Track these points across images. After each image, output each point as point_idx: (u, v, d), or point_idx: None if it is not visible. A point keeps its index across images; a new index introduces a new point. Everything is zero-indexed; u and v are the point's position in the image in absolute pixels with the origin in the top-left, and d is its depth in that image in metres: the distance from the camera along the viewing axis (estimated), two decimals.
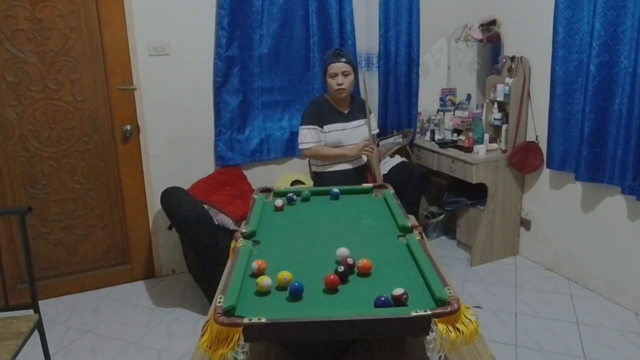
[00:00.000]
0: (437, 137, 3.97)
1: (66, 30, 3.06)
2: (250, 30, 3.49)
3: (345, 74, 2.72)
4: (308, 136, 2.82)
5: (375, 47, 3.92)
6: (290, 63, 3.68)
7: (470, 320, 1.17)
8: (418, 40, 3.94)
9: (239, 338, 1.11)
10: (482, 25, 3.79)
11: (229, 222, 3.15)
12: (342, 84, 2.71)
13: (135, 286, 3.50)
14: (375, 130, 3.02)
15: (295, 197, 2.14)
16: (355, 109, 2.89)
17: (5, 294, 2.30)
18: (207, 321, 1.19)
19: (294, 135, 3.82)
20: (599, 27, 2.87)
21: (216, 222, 3.08)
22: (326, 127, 2.82)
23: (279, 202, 2.07)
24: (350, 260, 1.44)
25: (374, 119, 3.01)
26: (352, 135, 2.85)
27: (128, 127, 3.31)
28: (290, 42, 3.64)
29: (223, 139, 3.59)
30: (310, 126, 2.82)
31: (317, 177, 2.96)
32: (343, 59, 2.70)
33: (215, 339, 1.13)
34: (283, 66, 3.67)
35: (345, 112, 2.86)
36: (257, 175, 3.76)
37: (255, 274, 1.42)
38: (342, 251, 1.50)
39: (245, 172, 3.71)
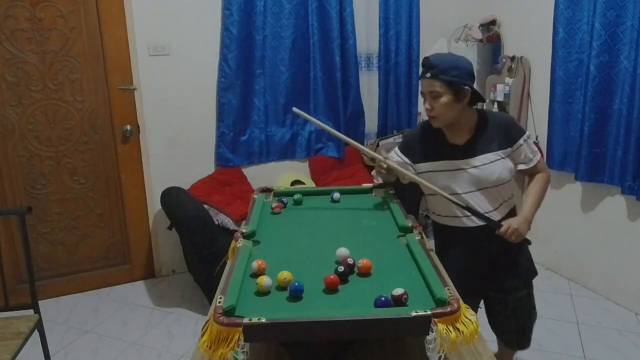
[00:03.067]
0: None
1: (66, 30, 3.06)
2: (254, 31, 3.48)
3: (433, 96, 1.81)
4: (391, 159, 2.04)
5: (375, 47, 3.92)
6: (292, 64, 3.67)
7: (470, 320, 1.17)
8: (418, 40, 3.94)
9: (239, 338, 1.11)
10: (482, 25, 3.79)
11: (229, 222, 3.15)
12: (430, 110, 1.84)
13: (135, 286, 3.50)
14: (522, 166, 1.97)
15: (285, 200, 2.13)
16: (484, 137, 1.90)
17: (5, 294, 2.29)
18: (207, 321, 1.19)
19: (295, 137, 3.81)
20: (599, 27, 2.87)
21: (216, 222, 3.08)
22: (421, 166, 1.97)
23: (274, 204, 2.07)
24: (350, 260, 1.44)
25: (525, 145, 1.93)
26: (470, 178, 1.89)
27: (128, 127, 3.31)
28: (293, 43, 3.63)
29: (225, 141, 3.59)
30: (399, 153, 2.04)
31: (434, 229, 2.15)
32: (428, 74, 1.80)
33: (215, 339, 1.13)
34: (285, 67, 3.66)
35: (461, 143, 1.90)
36: (257, 176, 3.75)
37: (255, 274, 1.42)
38: (342, 251, 1.50)
39: (245, 172, 3.71)
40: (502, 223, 1.88)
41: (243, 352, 1.10)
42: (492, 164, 1.88)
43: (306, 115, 2.19)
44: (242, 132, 3.62)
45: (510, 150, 1.91)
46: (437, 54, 1.89)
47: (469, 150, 1.89)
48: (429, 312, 1.14)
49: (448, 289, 1.26)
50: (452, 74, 1.79)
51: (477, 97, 1.88)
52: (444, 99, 1.80)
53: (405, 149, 2.03)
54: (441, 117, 1.85)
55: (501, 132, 1.90)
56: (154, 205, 3.47)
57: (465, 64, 1.84)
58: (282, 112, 3.74)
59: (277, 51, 3.60)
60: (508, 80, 3.51)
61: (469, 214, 1.90)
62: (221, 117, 3.55)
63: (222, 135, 3.58)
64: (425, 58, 1.83)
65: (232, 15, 3.38)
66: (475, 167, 1.88)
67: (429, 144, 1.95)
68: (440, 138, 1.94)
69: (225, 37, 3.41)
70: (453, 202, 1.88)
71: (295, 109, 2.22)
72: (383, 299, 1.23)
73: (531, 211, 1.93)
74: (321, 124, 2.21)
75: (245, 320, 1.13)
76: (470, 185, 1.90)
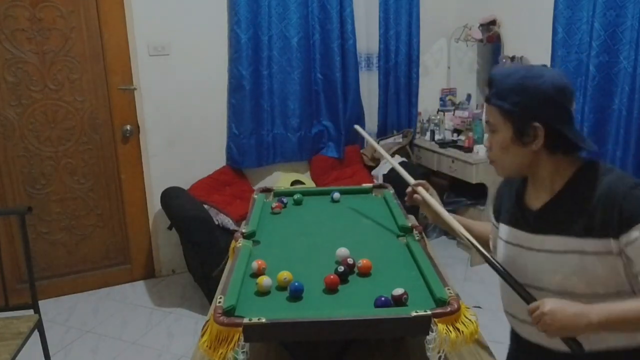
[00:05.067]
0: (437, 137, 3.97)
1: (66, 30, 3.06)
2: (260, 32, 3.48)
3: (490, 128, 1.24)
4: None
5: (375, 47, 3.92)
6: (298, 64, 3.66)
7: (470, 320, 1.17)
8: (418, 40, 3.94)
9: (239, 338, 1.11)
10: (482, 25, 3.79)
11: (229, 222, 3.15)
12: (488, 148, 1.27)
13: (135, 286, 3.50)
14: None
15: (285, 200, 2.13)
16: (568, 207, 1.19)
17: (5, 294, 2.30)
18: (207, 321, 1.19)
19: (302, 139, 3.80)
20: (599, 27, 2.87)
21: (216, 222, 3.09)
22: (498, 227, 1.37)
23: (274, 204, 2.07)
24: (350, 260, 1.44)
25: None
26: (528, 265, 1.24)
27: (128, 127, 3.31)
28: (298, 43, 3.62)
29: (234, 142, 3.58)
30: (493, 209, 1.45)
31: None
32: (491, 99, 1.21)
33: (215, 339, 1.13)
34: (290, 68, 3.65)
35: (536, 206, 1.25)
36: (257, 176, 3.76)
37: (255, 274, 1.42)
38: (342, 251, 1.50)
39: (245, 172, 3.71)
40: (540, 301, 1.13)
41: (243, 352, 1.10)
42: (564, 257, 1.16)
43: (366, 134, 2.08)
44: (250, 134, 3.60)
45: (611, 243, 1.11)
46: (509, 68, 1.28)
47: (540, 220, 1.22)
48: (429, 312, 1.14)
49: (448, 289, 1.26)
50: (514, 100, 1.15)
51: (568, 141, 1.16)
52: (499, 137, 1.21)
53: (494, 202, 1.45)
54: (499, 163, 1.25)
55: (604, 206, 1.12)
56: (154, 205, 3.46)
57: (542, 85, 1.14)
58: (289, 114, 3.72)
59: (283, 52, 3.60)
60: None
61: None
62: (231, 118, 3.55)
63: (232, 136, 3.58)
64: (492, 74, 1.24)
65: (239, 15, 3.37)
66: (537, 250, 1.22)
67: (507, 198, 1.36)
68: (519, 192, 1.31)
69: (232, 37, 3.42)
70: (491, 264, 1.27)
71: (356, 126, 2.15)
72: (383, 299, 1.23)
73: (605, 313, 1.08)
74: (381, 150, 2.00)
75: (245, 320, 1.13)
76: (527, 276, 1.24)
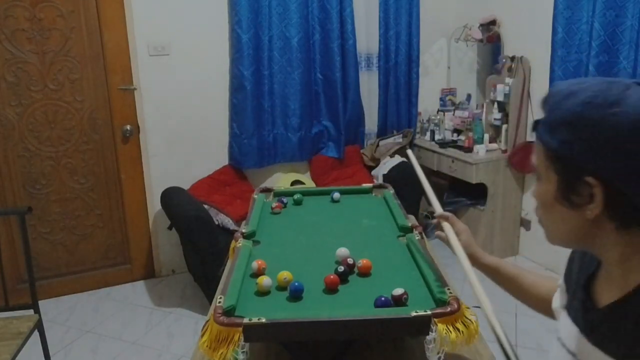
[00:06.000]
0: (437, 137, 3.97)
1: (66, 30, 3.06)
2: (260, 32, 3.48)
3: (535, 172, 0.83)
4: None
5: (375, 47, 3.92)
6: (298, 64, 3.66)
7: (470, 320, 1.17)
8: (418, 40, 3.94)
9: (239, 338, 1.11)
10: (482, 25, 3.79)
11: (229, 222, 3.15)
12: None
13: (135, 286, 3.50)
14: None
15: (285, 200, 2.13)
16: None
17: (5, 294, 2.30)
18: (207, 321, 1.19)
19: (302, 139, 3.79)
20: (598, 27, 2.87)
21: (216, 222, 3.08)
22: (561, 314, 0.94)
23: (274, 204, 2.07)
24: (350, 260, 1.44)
25: None
26: None
27: (128, 127, 3.31)
28: (298, 43, 3.62)
29: (236, 142, 3.58)
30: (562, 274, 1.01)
31: None
32: (538, 128, 0.79)
33: (215, 339, 1.13)
34: (290, 68, 3.64)
35: (602, 303, 0.80)
36: (257, 175, 3.76)
37: (255, 274, 1.42)
38: (342, 251, 1.50)
39: (245, 172, 3.71)
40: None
41: (243, 352, 1.10)
42: None
43: (415, 162, 1.74)
44: (252, 134, 3.60)
45: None
46: (578, 82, 0.77)
47: (603, 326, 0.79)
48: (429, 312, 1.14)
49: (448, 289, 1.26)
50: (564, 137, 0.75)
51: None
52: (541, 188, 0.83)
53: (566, 265, 1.01)
54: (543, 224, 0.86)
55: None
56: (154, 205, 3.46)
57: (613, 118, 0.70)
58: (289, 114, 3.71)
59: (283, 52, 3.59)
60: (508, 80, 3.51)
61: None
62: (233, 118, 3.55)
63: (234, 136, 3.58)
64: (545, 96, 0.80)
65: (240, 14, 3.37)
66: None
67: (577, 272, 0.93)
68: (590, 273, 0.88)
69: (234, 37, 3.41)
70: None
71: (409, 152, 1.85)
72: (383, 299, 1.23)
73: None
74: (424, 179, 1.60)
75: (245, 320, 1.13)
76: None
